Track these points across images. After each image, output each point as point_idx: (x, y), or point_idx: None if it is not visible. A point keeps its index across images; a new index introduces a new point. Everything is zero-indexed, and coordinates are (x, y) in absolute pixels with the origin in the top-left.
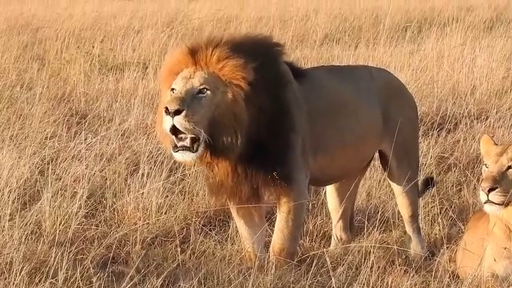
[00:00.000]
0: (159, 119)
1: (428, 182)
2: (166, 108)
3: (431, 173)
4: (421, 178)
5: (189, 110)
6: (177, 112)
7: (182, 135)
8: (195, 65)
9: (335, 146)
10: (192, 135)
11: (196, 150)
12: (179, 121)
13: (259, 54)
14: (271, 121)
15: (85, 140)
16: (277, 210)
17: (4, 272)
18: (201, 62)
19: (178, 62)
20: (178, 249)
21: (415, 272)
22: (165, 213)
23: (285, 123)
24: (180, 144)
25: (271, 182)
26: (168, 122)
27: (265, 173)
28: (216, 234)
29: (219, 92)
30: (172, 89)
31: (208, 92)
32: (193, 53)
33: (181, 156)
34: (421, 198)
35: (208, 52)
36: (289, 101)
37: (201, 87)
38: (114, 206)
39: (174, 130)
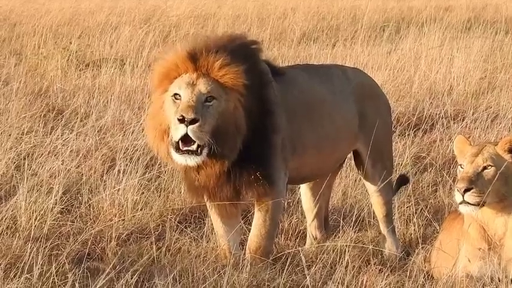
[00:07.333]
0: (151, 122)
1: (402, 181)
2: (183, 117)
3: (407, 173)
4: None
5: (203, 119)
6: (193, 121)
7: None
8: (196, 70)
9: (310, 145)
10: (200, 143)
11: (201, 154)
12: (193, 130)
13: (245, 55)
14: (256, 122)
15: (61, 135)
16: (255, 209)
17: None
18: (202, 68)
19: (176, 66)
20: (154, 246)
21: (390, 271)
22: (141, 210)
23: (268, 124)
24: (185, 148)
25: (254, 183)
26: (181, 130)
27: (248, 174)
28: (191, 232)
29: (223, 99)
30: (175, 95)
31: (215, 100)
32: (194, 58)
33: (184, 160)
34: (396, 198)
35: (210, 58)
36: (271, 101)
37: (208, 95)
38: (90, 202)
39: (185, 137)
